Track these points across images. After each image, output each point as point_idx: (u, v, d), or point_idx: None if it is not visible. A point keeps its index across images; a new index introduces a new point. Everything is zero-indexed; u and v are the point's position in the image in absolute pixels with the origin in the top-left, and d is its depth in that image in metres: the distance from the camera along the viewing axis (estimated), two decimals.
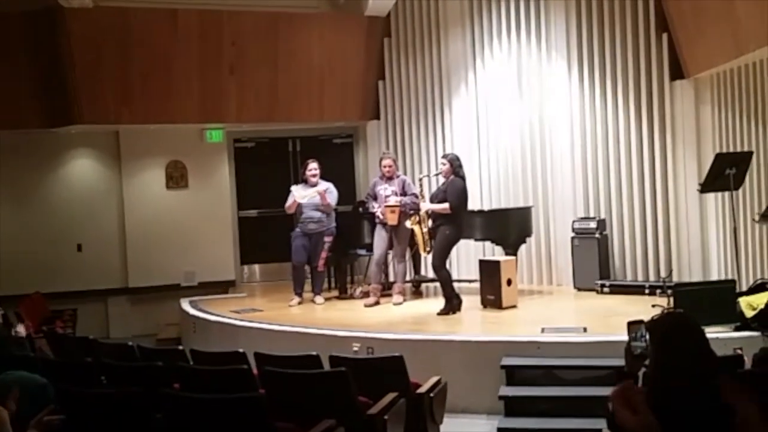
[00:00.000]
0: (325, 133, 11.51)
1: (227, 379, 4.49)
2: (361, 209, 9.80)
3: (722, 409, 2.55)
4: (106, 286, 10.61)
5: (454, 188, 7.86)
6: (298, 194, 8.74)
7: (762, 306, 6.01)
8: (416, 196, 8.36)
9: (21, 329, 6.31)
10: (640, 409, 1.89)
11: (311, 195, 8.71)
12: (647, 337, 3.02)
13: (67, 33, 9.28)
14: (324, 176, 8.90)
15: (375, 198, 8.66)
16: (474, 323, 7.74)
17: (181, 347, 5.81)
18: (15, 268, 9.95)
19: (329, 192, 8.74)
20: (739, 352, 5.02)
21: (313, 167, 8.81)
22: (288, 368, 4.55)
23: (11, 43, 9.37)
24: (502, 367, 6.17)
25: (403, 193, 8.50)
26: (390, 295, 8.71)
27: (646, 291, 8.24)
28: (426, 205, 8.14)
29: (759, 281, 6.61)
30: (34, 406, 3.62)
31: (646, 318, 3.11)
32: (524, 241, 9.01)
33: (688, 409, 2.65)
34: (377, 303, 8.54)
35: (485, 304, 8.05)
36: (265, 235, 11.06)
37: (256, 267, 11.55)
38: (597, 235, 8.80)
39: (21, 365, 4.27)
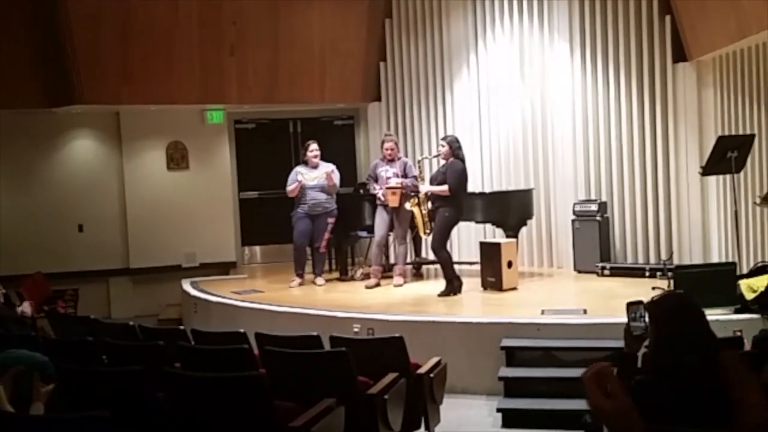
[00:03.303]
0: (326, 115, 11.48)
1: (228, 358, 4.50)
2: (361, 191, 9.80)
3: (721, 387, 2.56)
4: (107, 266, 10.63)
5: (454, 170, 7.86)
6: (308, 176, 8.73)
7: (762, 288, 6.03)
8: (416, 179, 8.36)
9: (26, 308, 6.32)
10: (615, 393, 1.87)
11: (319, 176, 8.72)
12: (646, 317, 3.03)
13: (68, 12, 9.22)
14: (325, 158, 8.91)
15: (376, 180, 8.66)
16: (474, 305, 7.77)
17: (182, 327, 5.83)
18: (16, 248, 9.96)
19: (333, 173, 8.75)
20: (738, 334, 5.04)
21: (314, 148, 8.81)
22: (289, 348, 4.57)
23: (11, 22, 9.32)
24: (502, 348, 6.20)
25: (404, 175, 8.50)
26: (391, 277, 8.73)
27: (647, 273, 8.26)
28: (425, 187, 8.15)
29: (759, 264, 6.62)
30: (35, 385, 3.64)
31: (646, 299, 3.12)
32: (525, 224, 9.01)
33: (687, 389, 2.66)
34: (378, 284, 8.56)
35: (486, 286, 8.07)
36: (266, 217, 11.06)
37: (257, 248, 11.57)
38: (598, 218, 8.80)
39: (22, 344, 4.28)
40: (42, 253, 10.10)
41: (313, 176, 8.74)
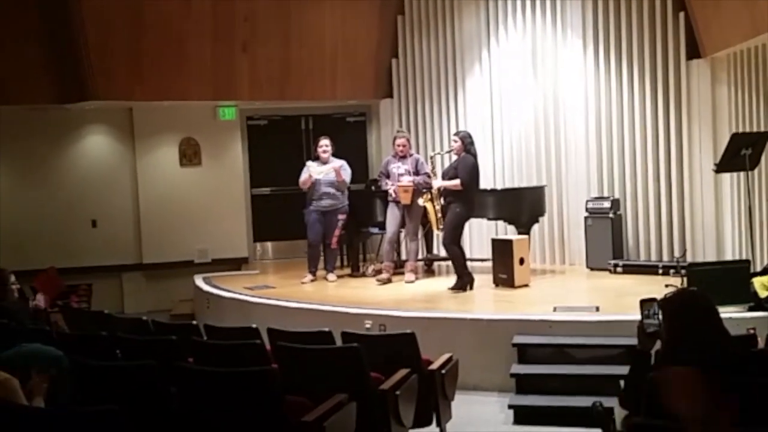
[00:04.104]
0: (338, 111, 11.48)
1: (240, 353, 4.52)
2: (373, 187, 9.80)
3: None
4: (120, 261, 10.68)
5: (465, 165, 7.86)
6: (315, 170, 8.75)
7: None
8: (428, 175, 8.35)
9: (40, 299, 6.37)
10: (702, 398, 1.84)
11: (327, 171, 8.72)
12: (660, 315, 3.02)
13: (80, 8, 9.27)
14: (337, 154, 8.91)
15: (388, 176, 8.66)
16: (486, 301, 7.75)
17: (194, 322, 5.85)
18: (30, 243, 10.03)
19: (344, 169, 8.76)
20: (752, 331, 5.01)
21: (324, 144, 8.82)
22: (301, 344, 4.58)
23: (25, 18, 9.36)
24: (514, 345, 6.19)
25: (416, 172, 8.50)
26: (402, 273, 8.73)
27: (660, 271, 8.21)
28: (437, 182, 8.15)
29: None
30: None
31: (659, 297, 3.10)
32: (537, 221, 8.99)
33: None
34: (389, 281, 8.56)
35: (497, 282, 8.06)
36: (278, 213, 11.09)
37: (269, 244, 11.59)
38: (610, 215, 8.76)
39: (36, 338, 4.32)
40: (55, 248, 10.17)
41: (320, 170, 8.75)
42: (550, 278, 8.85)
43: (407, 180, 8.43)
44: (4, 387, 3.28)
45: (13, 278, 5.93)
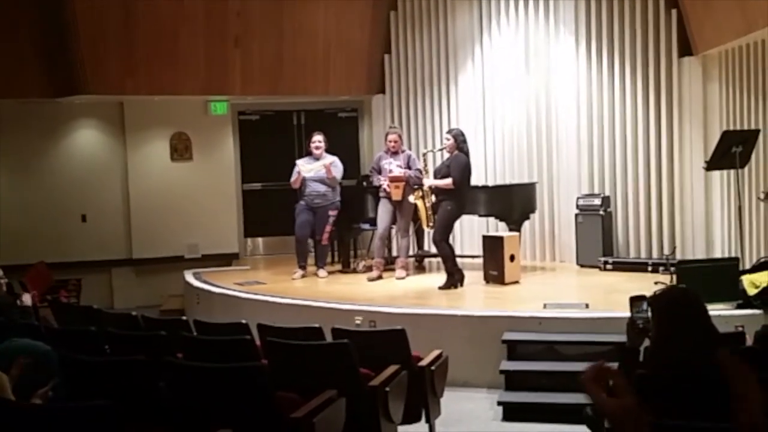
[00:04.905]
0: (330, 107, 11.46)
1: (230, 349, 4.50)
2: (365, 183, 9.80)
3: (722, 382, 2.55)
4: (110, 257, 10.64)
5: (458, 163, 7.86)
6: (304, 168, 8.74)
7: (765, 284, 6.02)
8: (420, 171, 8.35)
9: (27, 299, 6.33)
10: (620, 389, 1.84)
11: (317, 168, 8.71)
12: (649, 312, 3.03)
13: (74, 1, 9.22)
14: (329, 150, 8.90)
15: (379, 172, 8.65)
16: (476, 298, 7.76)
17: (184, 318, 5.84)
18: (19, 238, 9.98)
19: (334, 165, 8.74)
20: (740, 329, 5.04)
21: (317, 139, 8.80)
22: (291, 340, 4.57)
23: (16, 12, 9.31)
24: (504, 341, 6.21)
25: (408, 168, 8.49)
26: (393, 270, 8.73)
27: (649, 268, 8.24)
28: (429, 181, 8.14)
29: (762, 259, 6.61)
30: (37, 374, 3.65)
31: (649, 294, 3.11)
32: (528, 217, 9.01)
33: (689, 383, 2.66)
34: (380, 277, 8.56)
35: (488, 279, 8.07)
36: (269, 209, 11.06)
37: (260, 240, 11.57)
38: (601, 212, 8.79)
39: (25, 333, 4.30)
40: (45, 242, 10.12)
41: (310, 168, 8.74)
42: (541, 275, 8.87)
43: (399, 171, 8.42)
44: None
45: (1, 272, 5.90)
